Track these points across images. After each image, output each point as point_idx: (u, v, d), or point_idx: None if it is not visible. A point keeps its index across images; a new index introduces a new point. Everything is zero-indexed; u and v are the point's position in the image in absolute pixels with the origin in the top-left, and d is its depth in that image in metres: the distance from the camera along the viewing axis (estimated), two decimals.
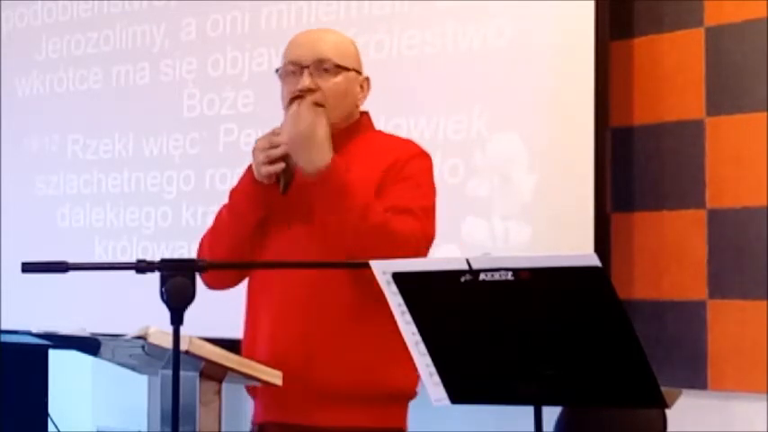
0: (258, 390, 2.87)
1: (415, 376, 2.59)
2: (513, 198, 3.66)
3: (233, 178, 4.30)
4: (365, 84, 2.90)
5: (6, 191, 4.99)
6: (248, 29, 4.33)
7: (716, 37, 3.59)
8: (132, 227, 4.59)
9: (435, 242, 3.82)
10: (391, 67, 3.94)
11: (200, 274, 2.82)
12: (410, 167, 2.80)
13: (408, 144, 2.92)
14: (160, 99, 4.56)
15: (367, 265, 2.16)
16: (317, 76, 2.80)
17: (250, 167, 2.80)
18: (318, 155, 2.67)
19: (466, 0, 3.80)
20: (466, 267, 2.03)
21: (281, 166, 2.73)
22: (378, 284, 2.33)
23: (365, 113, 2.93)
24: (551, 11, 3.64)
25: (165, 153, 4.51)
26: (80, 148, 4.79)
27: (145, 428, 2.94)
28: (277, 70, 2.87)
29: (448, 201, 3.76)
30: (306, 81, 2.78)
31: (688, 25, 3.63)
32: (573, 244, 3.52)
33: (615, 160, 3.68)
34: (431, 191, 2.85)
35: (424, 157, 2.86)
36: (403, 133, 3.89)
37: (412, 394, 2.80)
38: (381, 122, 3.90)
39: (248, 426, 3.13)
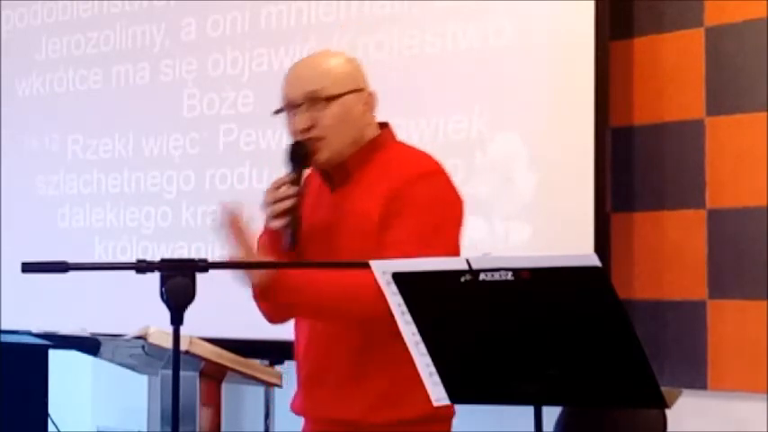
0: (299, 408, 2.85)
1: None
2: (513, 198, 3.66)
3: (233, 178, 4.33)
4: (369, 99, 2.78)
5: (6, 191, 4.99)
6: (248, 29, 4.33)
7: (716, 37, 3.59)
8: (132, 227, 4.58)
9: None
10: (391, 67, 3.94)
11: (264, 313, 2.82)
12: (408, 195, 2.66)
13: (412, 163, 2.75)
14: (160, 99, 4.56)
15: (367, 265, 2.16)
16: (314, 111, 2.71)
17: (265, 225, 2.76)
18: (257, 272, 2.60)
19: (466, 0, 3.80)
20: (466, 267, 2.03)
21: (284, 221, 2.68)
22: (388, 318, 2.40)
23: (384, 128, 2.82)
24: (551, 11, 3.64)
25: (165, 153, 4.51)
26: (80, 148, 4.79)
27: (145, 428, 2.94)
28: (279, 111, 2.79)
29: None
30: (300, 120, 2.71)
31: (688, 25, 3.63)
32: (573, 244, 3.52)
33: (615, 160, 3.68)
34: (426, 216, 2.66)
35: (422, 179, 2.69)
36: (402, 133, 3.86)
37: (445, 415, 2.73)
38: None
39: (248, 426, 3.14)
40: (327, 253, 2.71)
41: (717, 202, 3.57)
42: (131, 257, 4.48)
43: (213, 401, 2.68)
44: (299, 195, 2.69)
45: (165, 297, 2.21)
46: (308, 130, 2.71)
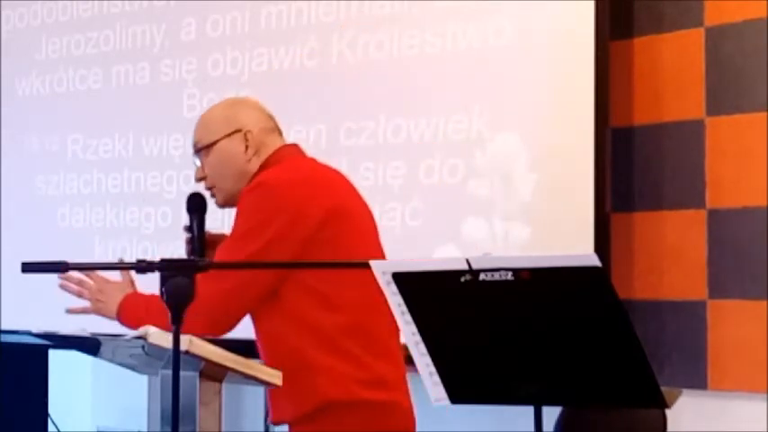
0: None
1: (342, 384, 2.78)
2: (513, 198, 3.66)
3: None
4: (249, 136, 2.94)
5: (6, 191, 4.99)
6: (248, 29, 4.33)
7: (716, 37, 3.59)
8: (132, 227, 4.58)
9: (435, 242, 3.84)
10: (391, 67, 3.94)
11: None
12: (237, 208, 2.89)
13: (253, 181, 2.92)
14: (160, 99, 4.56)
15: (367, 265, 2.16)
16: (203, 161, 2.98)
17: None
18: (108, 311, 2.95)
19: (466, 0, 3.80)
20: (466, 267, 2.03)
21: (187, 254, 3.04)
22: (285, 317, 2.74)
23: (274, 153, 2.95)
24: (551, 11, 3.64)
25: (164, 153, 4.51)
26: (80, 148, 4.78)
27: (145, 428, 2.94)
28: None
29: (448, 201, 3.77)
30: (196, 172, 3.00)
31: (688, 25, 3.63)
32: (573, 244, 3.52)
33: (615, 160, 3.68)
34: (243, 223, 2.85)
35: (250, 192, 2.86)
36: (403, 133, 3.90)
37: (344, 401, 2.82)
38: (381, 122, 3.93)
39: (248, 426, 3.17)
40: None
41: (717, 202, 3.57)
42: (131, 257, 4.48)
43: (213, 401, 2.68)
44: (191, 242, 3.01)
45: (164, 297, 2.21)
46: (204, 180, 2.99)
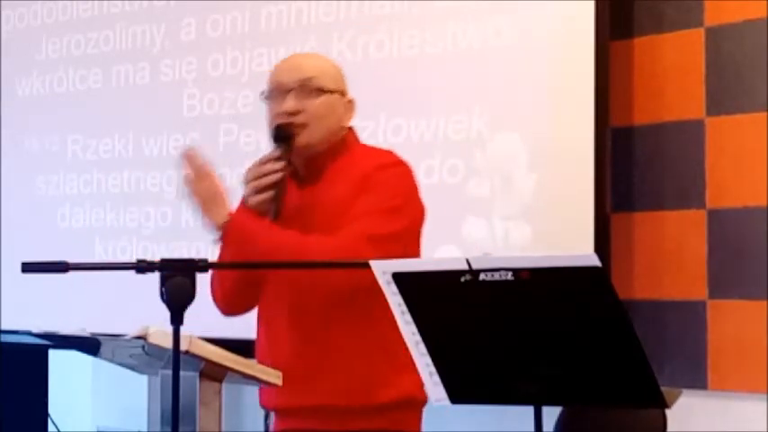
0: (269, 402, 2.93)
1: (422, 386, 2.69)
2: (513, 198, 3.66)
3: (233, 178, 4.28)
4: (349, 105, 2.92)
5: (6, 191, 4.99)
6: (248, 29, 4.33)
7: (716, 37, 3.59)
8: (132, 227, 4.58)
9: (435, 242, 3.84)
10: (391, 67, 3.94)
11: (216, 303, 2.99)
12: (379, 177, 2.80)
13: (381, 155, 2.91)
14: (160, 99, 4.56)
15: (367, 265, 2.16)
16: (302, 98, 2.83)
17: (243, 201, 2.84)
18: (217, 214, 2.78)
19: (466, 0, 3.80)
20: (466, 267, 2.03)
21: (270, 194, 2.79)
22: (365, 297, 2.56)
23: (350, 130, 2.94)
24: (551, 11, 3.64)
25: (165, 153, 4.51)
26: (80, 148, 4.79)
27: (145, 428, 2.95)
28: (263, 93, 2.90)
29: (448, 201, 3.77)
30: (290, 103, 2.82)
31: (688, 25, 3.64)
32: (573, 244, 3.53)
33: (615, 160, 3.68)
34: (393, 196, 2.79)
35: (392, 167, 2.84)
36: (403, 133, 3.90)
37: (418, 400, 2.81)
38: (381, 122, 3.93)
39: (248, 426, 3.14)
40: None
41: (717, 202, 3.57)
42: (131, 257, 4.48)
43: (213, 401, 2.68)
44: (285, 170, 2.80)
45: (165, 297, 2.21)
46: (295, 114, 2.82)
